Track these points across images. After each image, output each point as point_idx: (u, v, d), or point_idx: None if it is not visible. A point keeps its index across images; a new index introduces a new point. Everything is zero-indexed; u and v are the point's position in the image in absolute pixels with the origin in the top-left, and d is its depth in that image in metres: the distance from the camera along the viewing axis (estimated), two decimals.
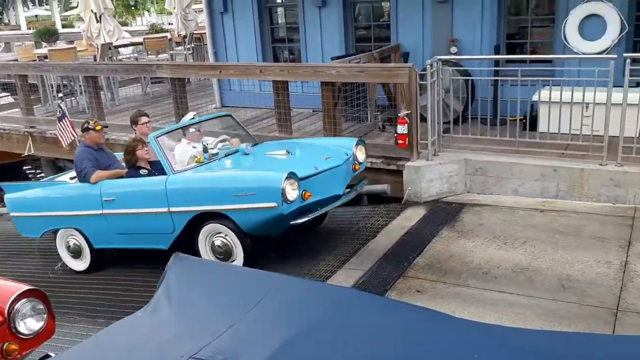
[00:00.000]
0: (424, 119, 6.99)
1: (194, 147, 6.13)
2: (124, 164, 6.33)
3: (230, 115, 6.88)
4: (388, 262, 5.48)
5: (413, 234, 6.06)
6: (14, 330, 3.58)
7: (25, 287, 3.71)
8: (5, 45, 24.25)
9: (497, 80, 7.55)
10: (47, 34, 23.79)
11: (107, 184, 6.15)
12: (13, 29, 34.30)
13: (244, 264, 5.52)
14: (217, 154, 6.02)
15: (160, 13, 39.65)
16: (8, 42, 24.41)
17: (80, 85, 11.19)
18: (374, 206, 7.03)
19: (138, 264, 6.57)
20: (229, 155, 6.10)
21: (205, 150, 5.98)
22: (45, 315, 3.72)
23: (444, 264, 5.32)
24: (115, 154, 6.86)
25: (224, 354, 2.22)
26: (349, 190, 6.02)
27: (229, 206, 5.41)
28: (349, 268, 5.50)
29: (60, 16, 38.96)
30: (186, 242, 5.79)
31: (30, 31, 27.90)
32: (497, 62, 8.12)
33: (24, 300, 3.64)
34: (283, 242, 6.22)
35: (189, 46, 14.35)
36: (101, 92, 10.71)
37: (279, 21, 10.91)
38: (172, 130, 6.34)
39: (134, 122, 6.83)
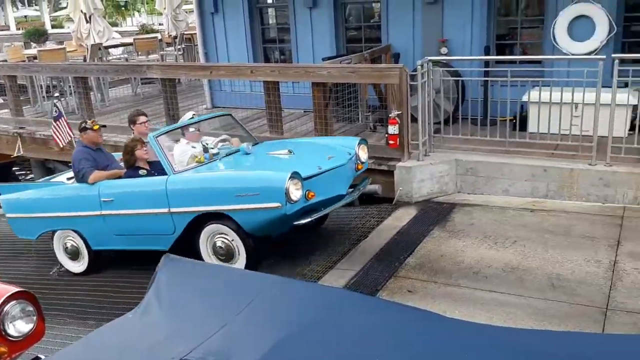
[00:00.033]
0: (414, 119, 7.01)
1: (193, 147, 6.06)
2: (122, 164, 6.24)
3: (230, 115, 6.79)
4: (379, 262, 5.49)
5: (404, 234, 6.08)
6: (3, 333, 3.55)
7: (14, 289, 3.68)
8: None
9: (487, 80, 7.58)
10: (37, 35, 23.67)
11: (106, 184, 6.06)
12: (2, 30, 34.10)
13: (247, 265, 5.47)
14: (217, 153, 5.95)
15: (151, 13, 39.54)
16: None
17: (70, 86, 11.13)
18: (365, 206, 7.04)
19: (132, 265, 6.54)
20: (229, 155, 6.02)
21: (205, 150, 5.91)
22: (34, 317, 3.69)
23: (435, 264, 5.34)
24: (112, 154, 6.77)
25: (215, 355, 2.22)
26: (351, 190, 5.96)
27: (231, 206, 5.34)
28: (341, 268, 5.51)
29: (50, 17, 38.77)
30: (186, 243, 5.72)
31: (20, 32, 27.76)
32: (487, 63, 8.15)
33: (13, 302, 3.60)
34: (283, 243, 6.18)
35: (179, 47, 14.32)
36: (91, 93, 10.65)
37: (270, 22, 10.90)
38: (171, 130, 6.25)
39: (132, 121, 6.72)
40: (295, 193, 5.13)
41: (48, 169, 10.70)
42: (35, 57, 12.86)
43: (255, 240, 5.50)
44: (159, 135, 5.90)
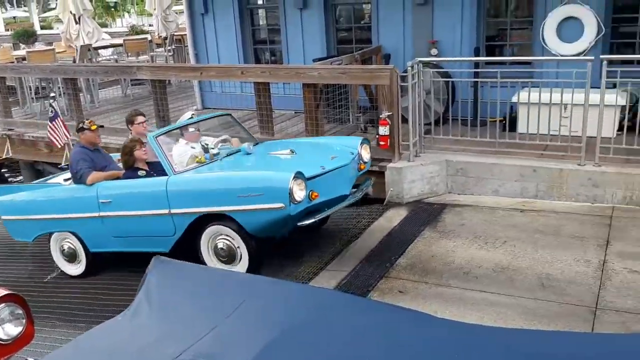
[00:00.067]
0: (405, 120, 7.03)
1: (192, 148, 5.99)
2: (120, 164, 6.16)
3: (230, 115, 6.72)
4: (370, 263, 5.50)
5: (395, 234, 6.09)
6: None
7: (3, 291, 3.65)
8: None
9: (477, 81, 7.61)
10: (26, 36, 23.46)
11: (104, 185, 5.97)
12: None
13: (249, 267, 5.40)
14: (218, 154, 5.88)
15: (141, 14, 39.37)
16: None
17: (59, 87, 11.05)
18: (356, 207, 7.04)
19: (123, 267, 6.48)
20: (230, 155, 5.95)
21: (206, 150, 5.84)
22: (24, 320, 3.67)
23: (426, 264, 5.35)
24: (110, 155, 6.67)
25: (205, 357, 2.21)
26: (354, 190, 5.91)
27: (233, 207, 5.26)
28: (332, 269, 5.51)
29: (39, 17, 38.51)
30: (187, 244, 5.65)
31: (8, 33, 27.53)
32: (477, 64, 8.19)
33: (2, 305, 3.58)
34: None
35: (169, 48, 14.28)
36: (80, 94, 10.60)
37: (260, 23, 10.89)
38: (171, 130, 6.17)
39: (130, 121, 6.64)
40: (299, 193, 5.06)
41: (37, 170, 10.64)
42: (24, 58, 12.79)
43: (257, 241, 5.43)
44: (159, 135, 5.82)
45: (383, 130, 6.83)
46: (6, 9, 43.25)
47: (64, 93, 10.44)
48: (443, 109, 7.93)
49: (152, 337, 2.42)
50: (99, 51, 14.58)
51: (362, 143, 6.03)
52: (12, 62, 13.37)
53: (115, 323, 2.70)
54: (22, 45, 21.55)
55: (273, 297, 2.64)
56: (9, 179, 13.34)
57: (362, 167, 5.98)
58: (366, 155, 6.04)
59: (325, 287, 4.92)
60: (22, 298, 3.71)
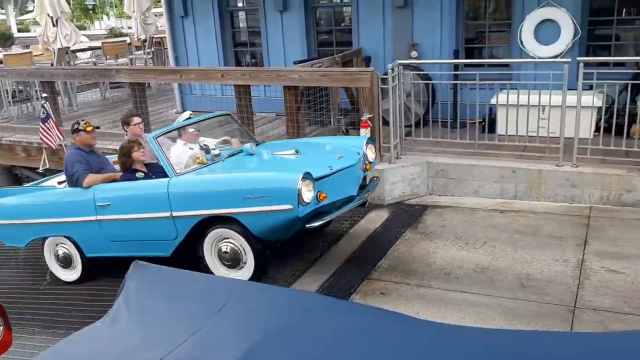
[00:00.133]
0: (386, 122, 7.07)
1: (190, 149, 5.86)
2: (117, 167, 6.00)
3: (230, 115, 6.60)
4: (352, 265, 5.51)
5: (377, 236, 6.11)
6: None
7: None
8: None
9: (457, 84, 7.68)
10: (2, 39, 23.19)
11: (101, 188, 5.75)
12: None
13: (255, 270, 5.28)
14: (219, 154, 5.74)
15: (120, 17, 39.04)
16: None
17: (36, 91, 10.92)
18: None
19: (103, 273, 6.39)
20: (232, 156, 5.81)
21: (207, 151, 5.70)
22: (1, 328, 3.61)
23: (408, 266, 5.37)
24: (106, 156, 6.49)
25: None
26: (360, 191, 5.79)
27: (239, 209, 5.08)
28: (314, 272, 5.50)
29: (16, 20, 37.95)
30: (188, 248, 5.51)
31: None
32: (456, 66, 8.27)
33: None
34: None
35: (149, 50, 14.19)
36: (58, 98, 10.47)
37: (241, 25, 10.87)
38: (170, 131, 6.00)
39: (126, 122, 6.45)
40: (308, 194, 4.91)
41: (15, 175, 10.48)
42: (0, 62, 12.59)
43: (263, 244, 5.30)
44: (159, 136, 5.66)
45: (364, 132, 6.85)
46: None
47: (41, 97, 10.31)
48: (423, 111, 7.98)
49: (132, 342, 2.39)
50: (77, 54, 14.42)
51: (367, 143, 5.91)
52: None
53: (94, 329, 2.67)
54: None
55: (254, 301, 2.62)
56: None
57: (367, 167, 5.87)
58: (371, 155, 5.92)
59: (307, 291, 4.92)
60: (0, 305, 3.65)
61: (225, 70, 8.59)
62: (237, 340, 2.31)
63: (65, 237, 6.13)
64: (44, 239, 6.31)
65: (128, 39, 15.85)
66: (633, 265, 5.02)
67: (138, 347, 2.34)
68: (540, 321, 4.34)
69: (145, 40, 14.35)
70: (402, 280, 5.13)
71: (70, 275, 6.34)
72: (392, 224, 6.34)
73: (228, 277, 5.13)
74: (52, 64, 12.66)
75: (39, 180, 7.28)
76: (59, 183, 6.47)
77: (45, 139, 7.51)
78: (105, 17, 42.50)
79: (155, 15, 15.81)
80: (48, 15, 13.04)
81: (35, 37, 16.66)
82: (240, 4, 10.81)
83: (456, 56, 8.48)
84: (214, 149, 5.75)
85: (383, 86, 6.86)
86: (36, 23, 18.29)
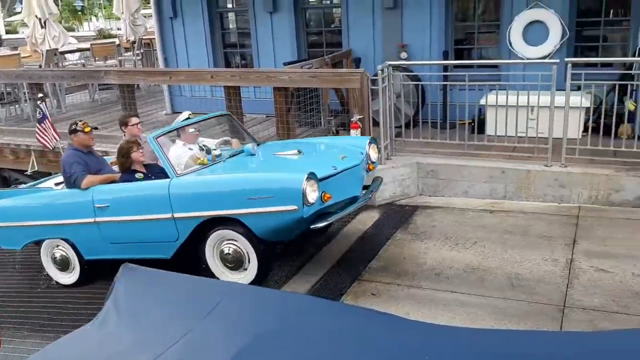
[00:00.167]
0: (376, 123, 7.08)
1: (190, 149, 5.80)
2: (115, 167, 5.93)
3: (229, 114, 6.54)
4: (343, 267, 5.51)
5: (367, 237, 6.12)
6: None
7: None
8: None
9: (446, 85, 7.71)
10: None
11: (100, 189, 5.66)
12: None
13: (258, 272, 5.23)
14: (220, 155, 5.67)
15: (108, 18, 38.87)
16: None
17: (24, 93, 10.84)
18: None
19: (94, 276, 6.34)
20: (233, 156, 5.75)
21: (208, 151, 5.64)
22: None
23: (398, 266, 5.38)
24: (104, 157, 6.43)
25: None
26: (364, 191, 5.76)
27: (242, 210, 5.01)
28: (304, 274, 5.50)
29: (4, 22, 37.65)
30: (189, 250, 5.46)
31: None
32: (445, 67, 8.30)
33: None
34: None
35: (138, 52, 14.12)
36: (47, 100, 10.39)
37: (230, 26, 10.85)
38: (170, 131, 5.93)
39: (124, 123, 6.37)
40: (312, 195, 4.84)
41: (3, 177, 10.39)
42: None
43: (266, 246, 5.24)
44: (159, 136, 5.59)
45: (354, 133, 6.86)
46: None
47: (29, 99, 10.25)
48: (413, 111, 8.01)
49: (121, 345, 2.39)
50: (66, 55, 14.35)
51: (370, 142, 5.85)
52: None
53: (84, 332, 2.66)
54: None
55: (244, 304, 2.62)
56: None
57: (371, 167, 5.83)
58: (374, 155, 5.88)
59: (298, 292, 4.92)
60: None
61: (215, 72, 8.57)
62: (228, 343, 2.31)
63: (62, 239, 6.05)
64: (41, 241, 6.22)
65: (117, 41, 15.76)
66: (621, 264, 5.06)
67: (127, 350, 2.33)
68: (530, 321, 4.36)
69: (134, 42, 14.28)
70: (392, 281, 5.14)
71: (68, 278, 6.26)
72: (383, 225, 6.35)
73: (218, 280, 5.10)
74: (40, 66, 12.57)
75: (36, 182, 7.15)
76: (56, 184, 6.38)
77: (41, 140, 7.45)
78: (93, 18, 42.29)
79: (145, 17, 15.75)
80: (36, 16, 12.94)
81: (24, 38, 16.55)
82: (229, 5, 10.79)
83: (446, 57, 8.52)
84: (214, 149, 5.69)
85: (373, 87, 6.88)
86: (24, 24, 18.17)
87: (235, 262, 5.33)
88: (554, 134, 6.44)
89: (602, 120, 6.59)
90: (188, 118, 6.13)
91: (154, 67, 13.15)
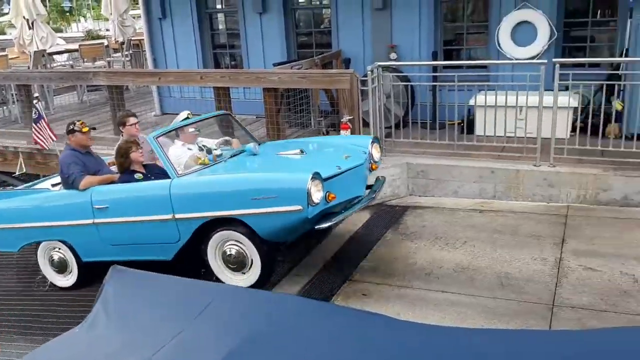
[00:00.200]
0: (366, 124, 7.09)
1: (189, 149, 5.74)
2: (113, 168, 5.87)
3: (229, 114, 6.47)
4: (334, 267, 5.52)
5: (358, 237, 6.13)
6: None
7: None
8: None
9: (436, 85, 7.74)
10: None
11: (99, 190, 5.57)
12: None
13: (261, 274, 5.18)
14: (221, 155, 5.60)
15: (97, 19, 38.63)
16: None
17: (12, 94, 10.76)
18: None
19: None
20: (234, 156, 5.67)
21: (209, 151, 5.58)
22: None
23: (389, 267, 5.39)
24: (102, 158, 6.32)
25: None
26: (367, 191, 5.71)
27: (245, 211, 4.92)
28: (295, 274, 5.50)
29: None
30: (190, 252, 5.40)
31: None
32: (435, 68, 8.33)
33: None
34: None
35: (126, 53, 14.05)
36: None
37: (220, 27, 10.83)
38: (170, 131, 5.86)
39: (122, 123, 6.30)
40: (317, 195, 4.77)
41: None
42: None
43: (270, 246, 5.18)
44: (159, 136, 5.52)
45: (344, 134, 6.86)
46: None
47: (17, 100, 10.17)
48: (403, 112, 8.03)
49: (111, 347, 2.37)
50: (54, 57, 14.25)
51: (372, 142, 5.79)
52: None
53: (73, 335, 2.64)
54: None
55: (234, 305, 2.61)
56: None
57: (374, 167, 5.79)
58: (377, 154, 5.83)
59: (289, 293, 4.91)
60: None
61: (204, 73, 8.54)
62: (218, 345, 2.30)
63: (60, 241, 5.96)
64: (38, 243, 6.13)
65: (105, 42, 15.69)
66: (609, 263, 5.10)
67: (117, 352, 2.32)
68: (520, 320, 4.38)
69: (123, 43, 14.21)
70: (383, 281, 5.14)
71: (66, 280, 6.17)
72: (373, 225, 6.36)
73: (207, 281, 5.07)
74: (28, 67, 12.48)
75: (32, 183, 7.01)
76: (53, 185, 6.27)
77: (38, 140, 7.40)
78: (82, 19, 42.04)
79: (133, 17, 15.69)
80: (24, 17, 12.86)
81: (11, 39, 16.42)
82: (219, 6, 10.77)
83: (435, 58, 8.54)
84: (215, 149, 5.63)
85: (363, 88, 6.89)
86: (12, 25, 18.04)
87: (237, 264, 5.26)
88: (543, 134, 6.48)
89: (589, 120, 6.65)
90: (187, 118, 6.05)
91: (143, 68, 13.09)
